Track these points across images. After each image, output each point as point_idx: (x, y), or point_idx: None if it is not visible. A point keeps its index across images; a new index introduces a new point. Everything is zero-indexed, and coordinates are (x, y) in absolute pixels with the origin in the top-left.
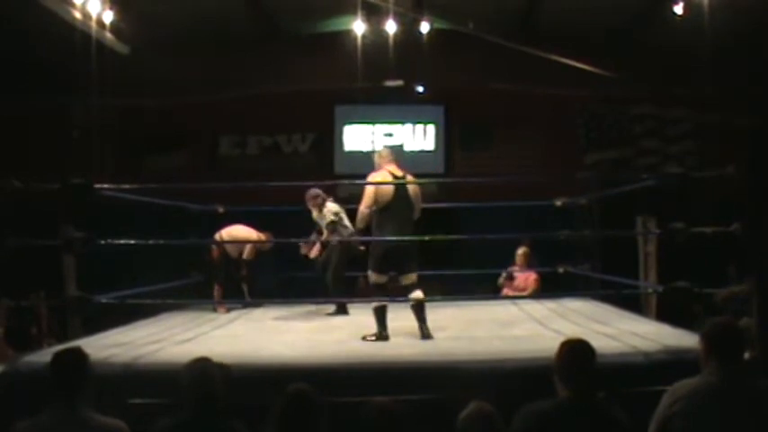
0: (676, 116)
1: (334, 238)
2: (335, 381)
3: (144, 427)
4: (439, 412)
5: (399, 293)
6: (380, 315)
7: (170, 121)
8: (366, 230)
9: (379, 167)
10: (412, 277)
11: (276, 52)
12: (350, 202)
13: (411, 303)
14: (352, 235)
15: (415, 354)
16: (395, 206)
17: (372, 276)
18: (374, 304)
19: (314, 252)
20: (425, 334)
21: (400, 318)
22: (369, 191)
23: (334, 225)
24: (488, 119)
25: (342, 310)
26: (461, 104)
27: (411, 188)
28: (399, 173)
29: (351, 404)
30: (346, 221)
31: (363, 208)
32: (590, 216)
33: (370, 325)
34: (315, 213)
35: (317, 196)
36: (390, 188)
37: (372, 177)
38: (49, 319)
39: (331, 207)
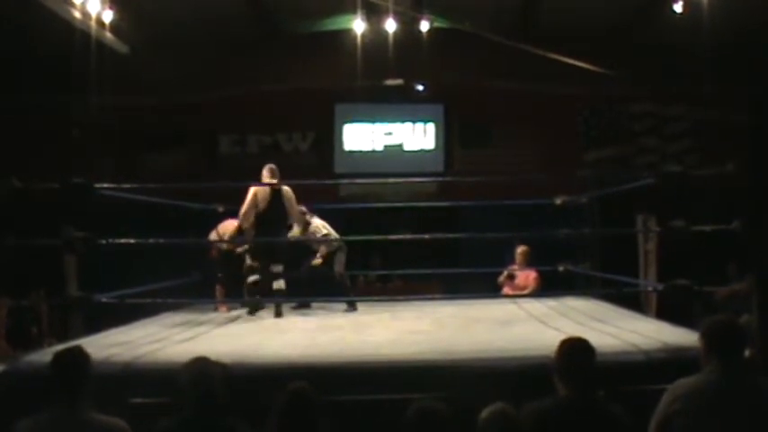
0: (676, 114)
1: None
2: (335, 379)
3: (145, 427)
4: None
5: (398, 293)
6: (252, 290)
7: (170, 121)
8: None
9: (263, 179)
10: (279, 267)
11: (276, 51)
12: (350, 201)
13: (275, 288)
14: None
15: (415, 353)
16: (271, 210)
17: (248, 260)
18: (249, 280)
19: (319, 262)
20: (278, 313)
21: (402, 316)
22: (250, 197)
23: (328, 236)
24: (488, 117)
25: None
26: (461, 103)
27: (285, 196)
28: (275, 184)
29: (350, 402)
30: (332, 231)
31: (246, 210)
32: (590, 214)
33: (370, 323)
34: (296, 231)
35: (303, 213)
36: (267, 195)
37: (253, 187)
38: (50, 318)
39: (318, 222)
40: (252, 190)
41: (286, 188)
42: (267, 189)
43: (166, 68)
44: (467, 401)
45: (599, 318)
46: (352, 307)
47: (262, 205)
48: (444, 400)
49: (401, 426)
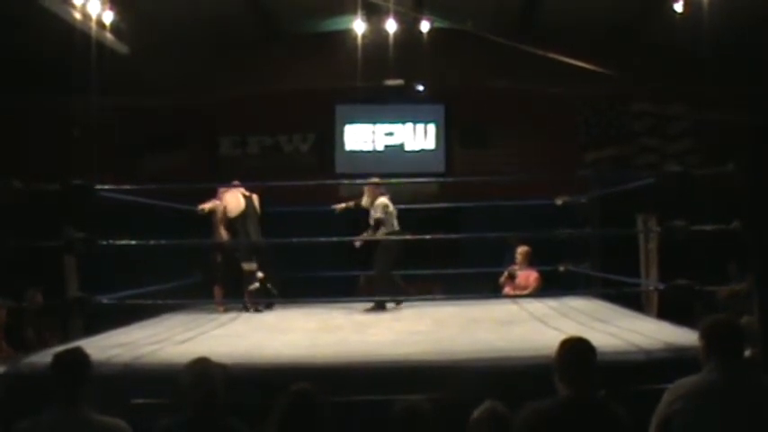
0: (676, 114)
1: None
2: (336, 380)
3: (145, 427)
4: (439, 411)
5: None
6: (257, 295)
7: (170, 121)
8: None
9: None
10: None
11: (276, 52)
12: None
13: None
14: (395, 233)
15: (416, 353)
16: (248, 215)
17: (245, 265)
18: (251, 287)
19: (340, 207)
20: (262, 309)
21: (403, 316)
22: (236, 205)
23: (380, 222)
24: (489, 118)
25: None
26: (462, 103)
27: (256, 203)
28: (247, 193)
29: (351, 403)
30: (394, 220)
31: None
32: (590, 214)
33: (371, 323)
34: (365, 200)
35: (379, 186)
36: (242, 203)
37: (228, 196)
38: (50, 319)
39: (383, 201)
40: (224, 200)
41: (254, 196)
42: (241, 200)
43: (166, 69)
44: (468, 401)
45: (600, 318)
46: (380, 307)
47: (239, 212)
48: (445, 400)
49: (387, 425)
